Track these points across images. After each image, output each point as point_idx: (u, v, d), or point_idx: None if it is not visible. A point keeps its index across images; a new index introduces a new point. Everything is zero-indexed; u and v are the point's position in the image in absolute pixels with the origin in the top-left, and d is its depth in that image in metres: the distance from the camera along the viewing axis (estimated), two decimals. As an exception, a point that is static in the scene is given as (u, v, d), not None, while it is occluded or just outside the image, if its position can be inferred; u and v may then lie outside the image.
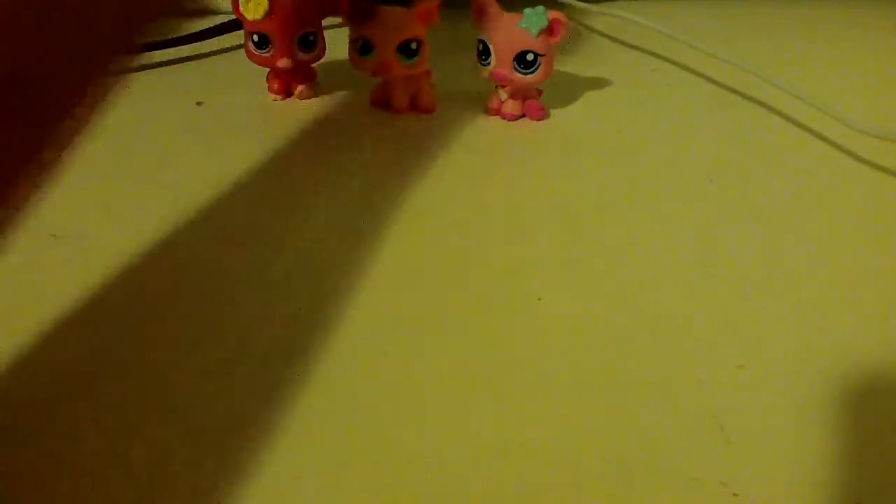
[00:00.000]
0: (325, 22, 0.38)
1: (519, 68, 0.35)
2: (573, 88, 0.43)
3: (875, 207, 0.32)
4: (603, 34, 0.51)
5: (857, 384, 0.23)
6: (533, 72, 0.35)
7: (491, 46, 0.36)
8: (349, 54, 0.37)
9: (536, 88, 0.38)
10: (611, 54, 0.48)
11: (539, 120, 0.38)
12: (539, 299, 0.26)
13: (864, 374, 0.23)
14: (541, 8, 0.34)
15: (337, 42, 0.38)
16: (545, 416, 0.22)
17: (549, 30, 0.35)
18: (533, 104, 0.38)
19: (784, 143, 0.37)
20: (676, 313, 0.25)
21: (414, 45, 0.36)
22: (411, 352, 0.24)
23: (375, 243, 0.29)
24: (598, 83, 0.44)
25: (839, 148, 0.36)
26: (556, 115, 0.39)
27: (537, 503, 0.19)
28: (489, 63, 0.36)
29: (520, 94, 0.38)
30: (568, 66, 0.45)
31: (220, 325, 0.25)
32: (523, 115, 0.38)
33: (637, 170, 0.34)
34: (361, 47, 0.36)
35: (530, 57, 0.35)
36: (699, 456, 0.20)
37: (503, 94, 0.38)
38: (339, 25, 0.38)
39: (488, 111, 0.38)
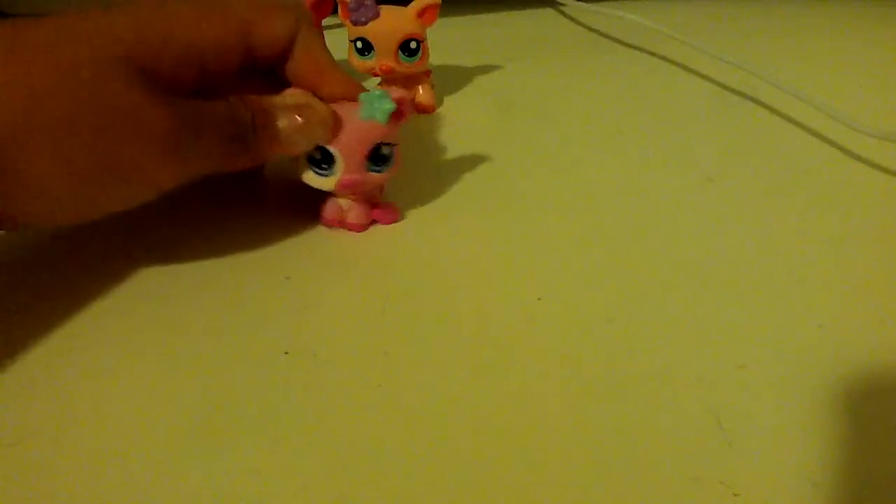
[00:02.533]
0: (324, 22, 0.38)
1: (373, 166, 0.28)
2: (572, 88, 0.43)
3: (875, 207, 0.32)
4: (603, 34, 0.51)
5: (858, 384, 0.23)
6: (387, 167, 0.28)
7: (335, 151, 0.27)
8: (349, 55, 0.37)
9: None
10: (611, 54, 0.48)
11: (393, 223, 0.30)
12: (539, 299, 0.26)
13: (865, 373, 0.23)
14: (379, 91, 0.27)
15: (336, 42, 0.38)
16: (545, 415, 0.22)
17: (397, 113, 0.27)
18: (386, 206, 0.30)
19: (784, 143, 0.37)
20: (676, 313, 0.25)
21: (414, 45, 0.36)
22: (411, 351, 0.24)
23: (376, 243, 0.29)
24: (598, 83, 0.44)
25: (839, 148, 0.36)
26: (555, 114, 0.39)
27: (537, 502, 0.19)
28: (333, 172, 0.27)
29: (367, 197, 0.29)
30: (568, 65, 0.45)
31: (224, 323, 0.25)
32: (374, 222, 0.30)
33: (637, 169, 0.34)
34: (361, 48, 0.36)
35: (386, 150, 0.28)
36: (699, 456, 0.20)
37: (344, 203, 0.29)
38: (339, 26, 0.38)
39: (326, 223, 0.30)
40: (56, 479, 0.20)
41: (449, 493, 0.19)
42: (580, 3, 0.52)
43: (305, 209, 0.30)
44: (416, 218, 0.30)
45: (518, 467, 0.20)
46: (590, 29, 0.52)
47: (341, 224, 0.30)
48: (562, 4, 0.54)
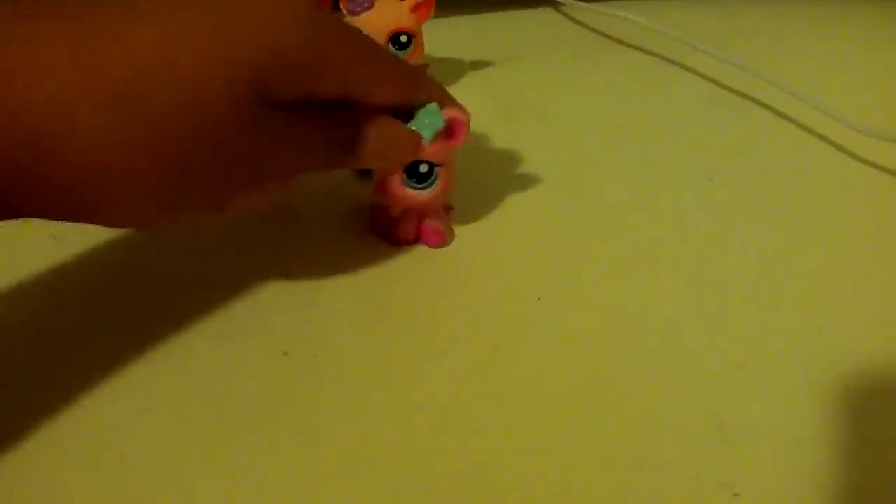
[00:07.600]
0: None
1: (410, 182, 0.26)
2: (572, 88, 0.43)
3: (875, 207, 0.32)
4: (603, 34, 0.51)
5: (857, 384, 0.23)
6: (429, 186, 0.26)
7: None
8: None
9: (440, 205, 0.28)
10: (611, 54, 0.48)
11: (436, 247, 0.28)
12: (539, 299, 0.26)
13: (864, 373, 0.23)
14: (434, 105, 0.25)
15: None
16: (545, 415, 0.22)
17: (447, 132, 0.26)
18: (431, 227, 0.28)
19: (784, 143, 0.37)
20: (677, 313, 0.25)
21: (405, 38, 0.34)
22: (411, 351, 0.24)
23: (376, 246, 0.29)
24: (598, 83, 0.44)
25: (839, 148, 0.36)
26: (556, 114, 0.39)
27: (537, 502, 0.19)
28: (372, 176, 0.28)
29: (417, 213, 0.28)
30: (568, 65, 0.45)
31: (224, 324, 0.25)
32: (417, 240, 0.28)
33: (637, 169, 0.34)
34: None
35: (424, 168, 0.26)
36: (699, 456, 0.20)
37: (394, 212, 0.28)
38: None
39: (373, 230, 0.29)
40: (56, 479, 0.20)
41: (449, 492, 0.19)
42: (580, 3, 0.52)
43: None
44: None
45: (518, 467, 0.20)
46: (590, 29, 0.52)
47: (387, 235, 0.28)
48: (562, 4, 0.53)
